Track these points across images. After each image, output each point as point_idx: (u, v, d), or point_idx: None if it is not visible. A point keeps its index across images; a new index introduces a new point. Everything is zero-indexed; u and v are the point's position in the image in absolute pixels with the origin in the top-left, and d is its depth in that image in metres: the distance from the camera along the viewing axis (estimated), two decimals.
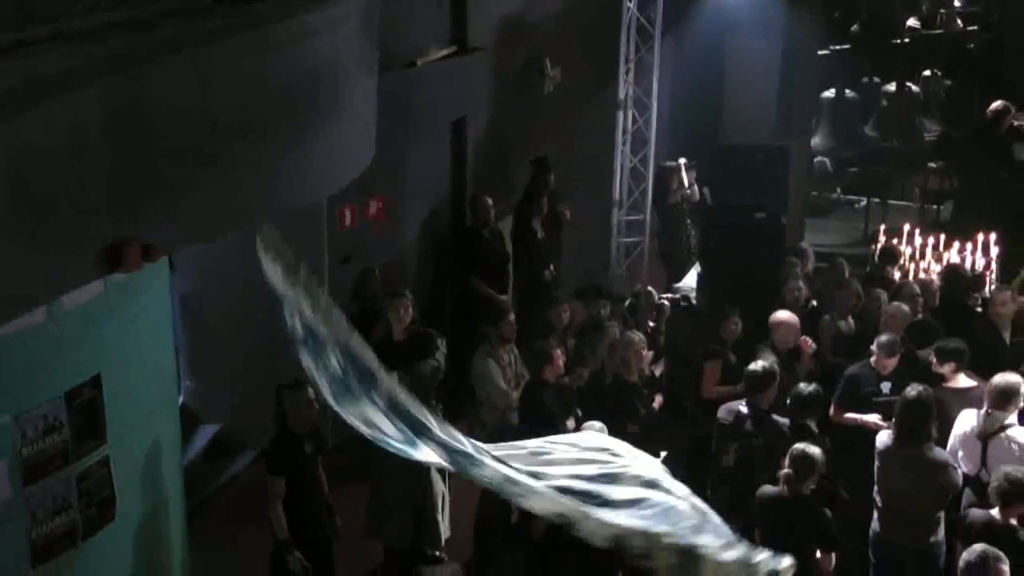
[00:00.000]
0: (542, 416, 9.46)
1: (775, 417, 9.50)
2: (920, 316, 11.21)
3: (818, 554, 8.57)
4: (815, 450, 8.51)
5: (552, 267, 12.62)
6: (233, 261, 8.67)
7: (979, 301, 11.66)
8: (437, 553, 9.74)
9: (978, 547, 7.34)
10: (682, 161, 14.41)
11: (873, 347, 10.12)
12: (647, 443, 9.76)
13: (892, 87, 16.90)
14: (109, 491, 7.15)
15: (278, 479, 8.53)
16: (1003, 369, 9.54)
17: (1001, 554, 7.29)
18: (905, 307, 10.92)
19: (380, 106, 8.21)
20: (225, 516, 9.80)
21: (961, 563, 7.35)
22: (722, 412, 9.68)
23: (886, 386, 9.96)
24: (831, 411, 10.06)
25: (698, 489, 8.93)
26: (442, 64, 11.12)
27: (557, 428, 8.93)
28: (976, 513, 8.37)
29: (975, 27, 17.39)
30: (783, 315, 10.69)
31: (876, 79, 16.92)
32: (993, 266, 12.87)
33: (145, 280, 7.08)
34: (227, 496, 10.02)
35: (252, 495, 9.20)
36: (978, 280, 12.26)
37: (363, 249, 10.73)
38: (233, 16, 6.22)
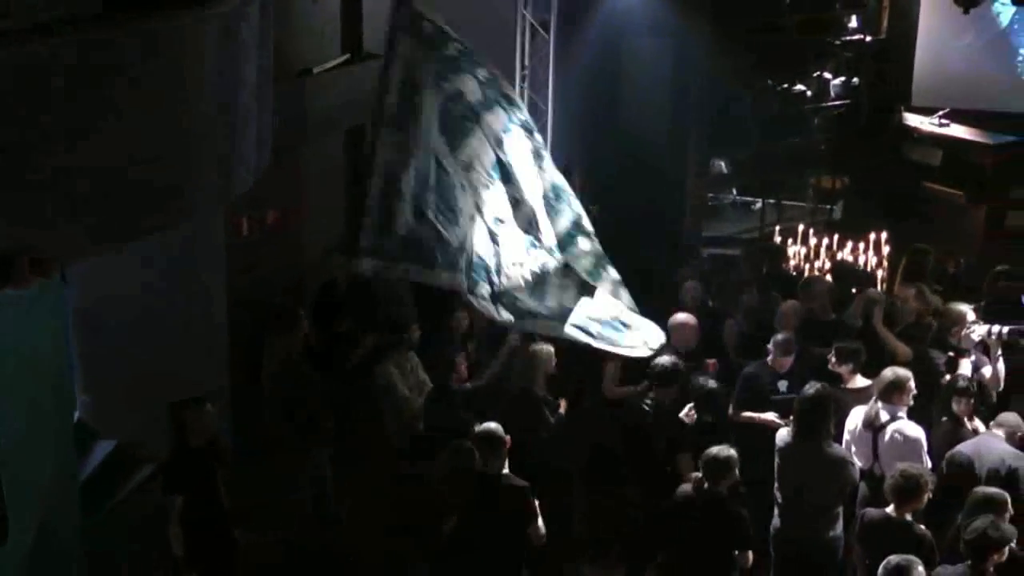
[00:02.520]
0: (448, 423, 9.48)
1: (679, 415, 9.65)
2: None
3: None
4: (730, 451, 8.63)
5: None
6: (131, 274, 8.59)
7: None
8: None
9: (898, 558, 7.46)
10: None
11: (769, 346, 10.25)
12: (557, 447, 9.92)
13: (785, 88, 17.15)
14: (0, 510, 7.05)
15: (176, 496, 8.47)
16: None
17: (915, 560, 7.44)
18: (797, 304, 11.09)
19: (276, 114, 8.17)
20: (123, 533, 9.69)
21: (881, 571, 7.47)
22: (625, 407, 9.80)
23: (783, 384, 10.11)
24: (731, 410, 10.18)
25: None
26: (337, 72, 11.09)
27: (464, 435, 8.95)
28: (872, 512, 8.52)
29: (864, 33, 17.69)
30: (682, 317, 10.80)
31: (770, 81, 17.12)
32: (884, 263, 13.10)
33: (37, 296, 6.98)
34: (125, 512, 9.91)
35: (150, 511, 9.11)
36: (869, 277, 12.46)
37: (263, 259, 10.67)
38: (124, 23, 6.15)
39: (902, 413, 9.31)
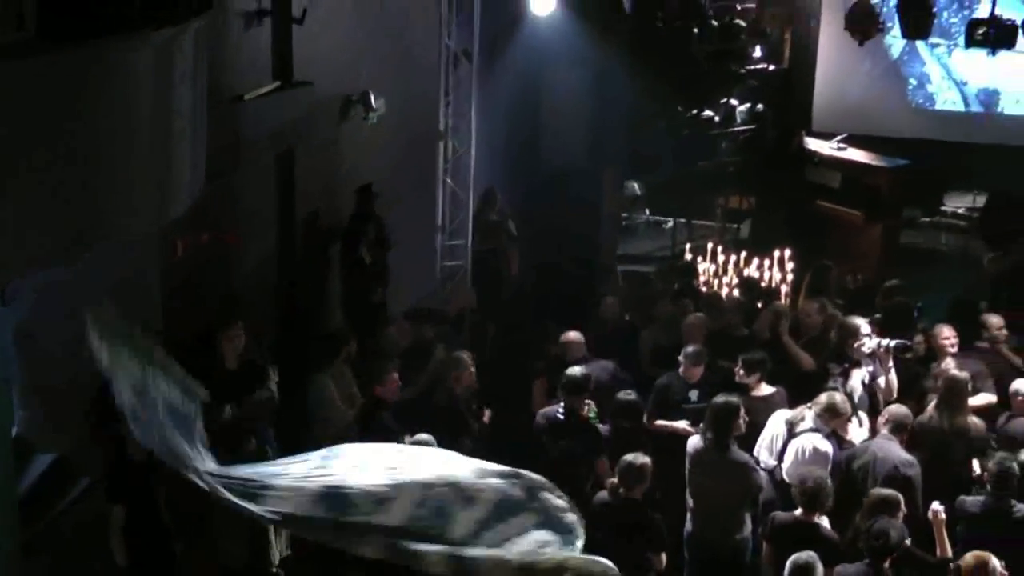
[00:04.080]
0: (379, 434, 9.40)
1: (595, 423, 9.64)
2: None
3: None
4: (644, 459, 8.64)
5: (380, 290, 12.57)
6: (68, 289, 8.44)
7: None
8: (274, 570, 9.62)
9: (804, 554, 7.50)
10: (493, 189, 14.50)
11: (680, 357, 10.28)
12: (482, 454, 9.86)
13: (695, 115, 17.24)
14: None
15: (116, 506, 8.33)
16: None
17: (815, 557, 7.46)
18: (703, 317, 11.13)
19: (209, 139, 8.07)
20: (63, 545, 9.51)
21: (788, 568, 7.50)
22: (539, 417, 9.75)
23: (694, 394, 10.13)
24: (645, 419, 10.18)
25: None
26: (268, 98, 10.99)
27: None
28: (781, 516, 8.56)
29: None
30: (571, 334, 10.83)
31: (680, 108, 17.21)
32: (788, 279, 13.18)
33: None
34: (65, 525, 9.73)
35: (90, 523, 8.95)
36: (774, 293, 12.53)
37: (197, 278, 10.53)
38: (61, 51, 6.06)
39: (824, 430, 9.35)
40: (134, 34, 6.55)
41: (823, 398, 9.42)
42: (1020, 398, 9.92)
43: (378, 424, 9.56)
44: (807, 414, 9.40)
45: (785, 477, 9.20)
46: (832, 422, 9.35)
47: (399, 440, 9.04)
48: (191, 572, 9.08)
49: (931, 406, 9.86)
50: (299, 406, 10.25)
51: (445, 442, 8.78)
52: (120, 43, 6.44)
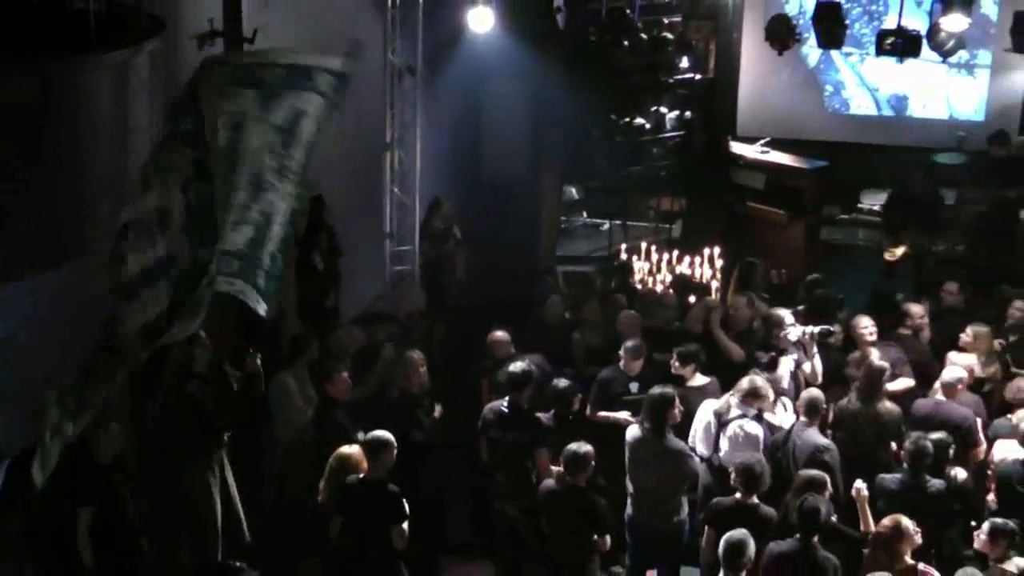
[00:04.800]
0: (333, 431, 9.38)
1: (537, 414, 9.62)
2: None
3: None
4: (587, 447, 8.67)
5: (333, 295, 12.51)
6: (40, 299, 8.35)
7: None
8: (237, 564, 9.55)
9: (737, 532, 7.55)
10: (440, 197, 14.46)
11: (621, 352, 10.30)
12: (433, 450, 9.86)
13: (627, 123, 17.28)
14: None
15: (85, 509, 8.24)
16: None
17: (747, 534, 7.50)
18: (635, 314, 11.16)
19: None
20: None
21: (722, 545, 7.53)
22: (486, 411, 9.74)
23: (634, 386, 10.15)
24: (588, 411, 10.19)
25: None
26: None
27: (349, 441, 8.93)
28: (722, 501, 8.62)
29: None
30: (497, 334, 10.86)
31: (613, 116, 17.24)
32: (718, 275, 13.23)
33: None
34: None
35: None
36: (705, 289, 12.56)
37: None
38: (19, 70, 6.00)
39: (750, 412, 9.41)
40: (91, 55, 6.51)
41: (744, 383, 9.50)
42: (960, 386, 10.01)
43: (332, 422, 9.53)
44: (732, 401, 9.46)
45: (722, 463, 9.24)
46: (755, 403, 9.41)
47: (352, 437, 9.02)
48: (158, 569, 9.00)
49: (851, 392, 9.97)
50: (262, 404, 10.21)
51: (398, 438, 8.79)
52: (80, 62, 6.39)
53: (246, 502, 9.67)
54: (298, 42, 11.67)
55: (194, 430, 9.23)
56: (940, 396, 9.99)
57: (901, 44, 12.91)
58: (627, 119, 17.16)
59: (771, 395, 9.66)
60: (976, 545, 8.14)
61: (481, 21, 12.79)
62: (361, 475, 8.57)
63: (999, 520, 8.03)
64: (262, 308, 7.38)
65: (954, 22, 12.33)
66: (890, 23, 13.48)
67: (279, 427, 10.13)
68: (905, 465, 8.88)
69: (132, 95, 7.04)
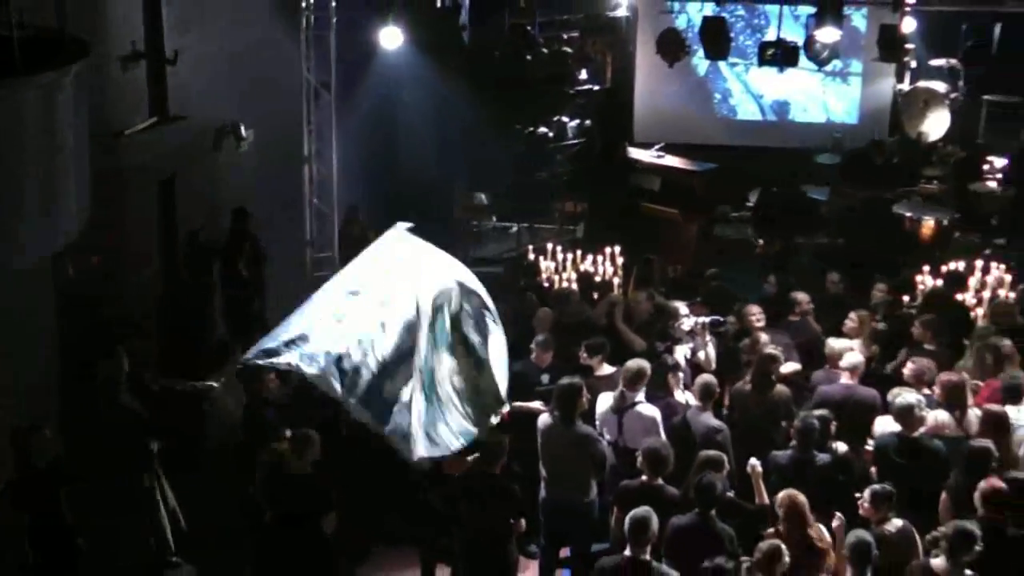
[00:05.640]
0: (262, 430, 9.29)
1: None
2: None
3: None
4: (501, 437, 8.65)
5: (258, 301, 12.42)
6: None
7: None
8: (173, 559, 9.46)
9: (640, 509, 7.58)
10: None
11: (532, 345, 10.32)
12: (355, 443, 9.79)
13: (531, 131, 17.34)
14: None
15: (21, 513, 8.09)
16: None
17: (650, 511, 7.56)
18: (550, 311, 11.18)
19: (93, 171, 7.87)
20: None
21: (627, 522, 7.56)
22: None
23: (545, 377, 10.16)
24: None
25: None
26: (147, 132, 10.78)
27: (276, 439, 8.84)
28: (629, 482, 8.63)
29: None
30: None
31: (518, 126, 17.28)
32: (619, 272, 13.29)
33: None
34: None
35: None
36: (607, 285, 12.61)
37: (89, 296, 10.28)
38: None
39: (640, 397, 9.47)
40: (17, 78, 6.39)
41: (631, 365, 9.53)
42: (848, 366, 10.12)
43: (261, 420, 9.45)
44: (623, 392, 9.49)
45: (627, 446, 9.27)
46: (640, 385, 9.43)
47: (281, 434, 8.93)
48: (95, 568, 8.87)
49: (746, 376, 10.08)
50: (193, 407, 10.10)
51: (324, 432, 8.74)
52: (7, 85, 6.28)
53: (182, 500, 9.56)
54: (217, 63, 11.61)
55: (128, 436, 9.12)
56: (845, 379, 10.07)
57: (781, 55, 13.09)
58: (531, 128, 17.23)
59: (648, 373, 9.64)
60: (860, 511, 8.27)
61: (391, 39, 12.75)
62: (290, 469, 8.51)
63: (877, 486, 8.16)
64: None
65: (827, 34, 12.54)
66: (771, 36, 13.68)
67: (211, 428, 10.03)
68: (794, 442, 8.98)
69: (59, 117, 6.92)
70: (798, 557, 7.81)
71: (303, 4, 13.13)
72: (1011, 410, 9.31)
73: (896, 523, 7.93)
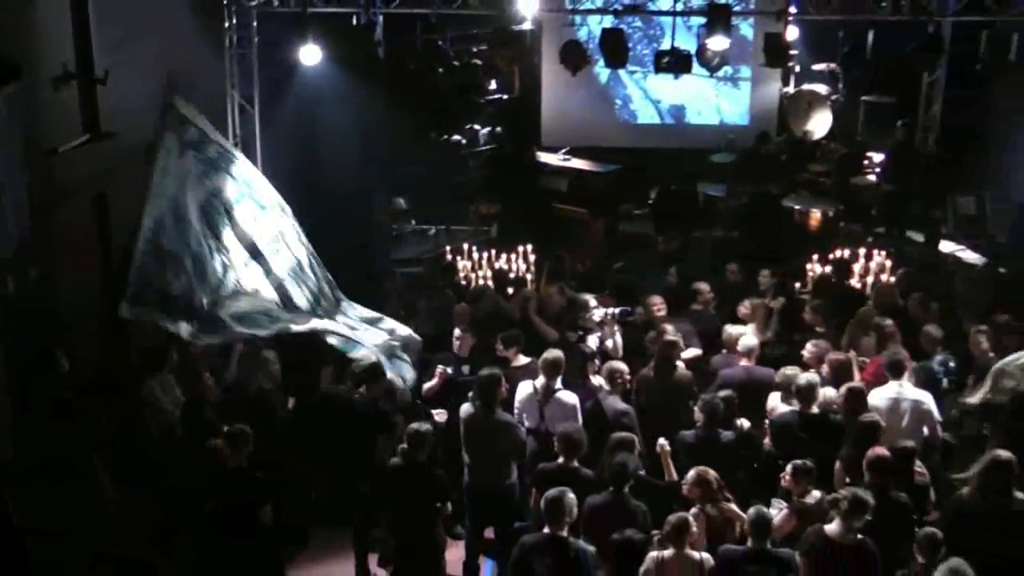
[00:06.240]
0: (201, 428, 9.22)
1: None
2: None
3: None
4: (427, 426, 8.68)
5: None
6: None
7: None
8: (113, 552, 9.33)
9: (555, 490, 7.63)
10: None
11: (453, 339, 10.35)
12: (288, 439, 9.74)
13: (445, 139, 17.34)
14: None
15: None
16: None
17: (569, 491, 7.61)
18: (467, 307, 11.22)
19: (29, 188, 7.75)
20: None
21: (543, 503, 7.62)
22: (339, 400, 9.69)
23: (466, 368, 10.20)
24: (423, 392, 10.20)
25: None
26: (80, 149, 10.59)
27: (215, 436, 8.80)
28: (547, 465, 8.69)
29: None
30: None
31: (433, 134, 17.28)
32: (532, 268, 13.37)
33: None
34: None
35: None
36: (521, 281, 12.67)
37: (31, 311, 10.09)
38: None
39: (559, 385, 9.53)
40: None
41: (548, 355, 9.59)
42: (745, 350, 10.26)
43: (199, 419, 9.37)
44: (544, 381, 9.55)
45: (548, 431, 9.31)
46: (557, 374, 9.50)
47: (218, 431, 8.86)
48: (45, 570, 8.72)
49: (651, 363, 10.19)
50: (131, 411, 9.96)
51: (257, 429, 8.70)
52: None
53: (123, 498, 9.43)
54: (146, 82, 11.45)
55: (71, 435, 8.98)
56: (743, 362, 10.21)
57: (675, 62, 13.22)
58: (445, 136, 17.25)
59: (563, 363, 9.72)
60: (783, 484, 8.41)
61: (310, 56, 12.68)
62: (226, 464, 8.47)
63: (799, 462, 8.30)
64: None
65: (717, 42, 12.69)
66: (665, 45, 13.80)
67: (151, 428, 9.91)
68: (700, 422, 9.09)
69: None
70: (711, 529, 7.96)
71: (226, 24, 13.01)
72: (894, 384, 9.55)
73: (815, 495, 8.10)
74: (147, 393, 9.90)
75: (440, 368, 10.19)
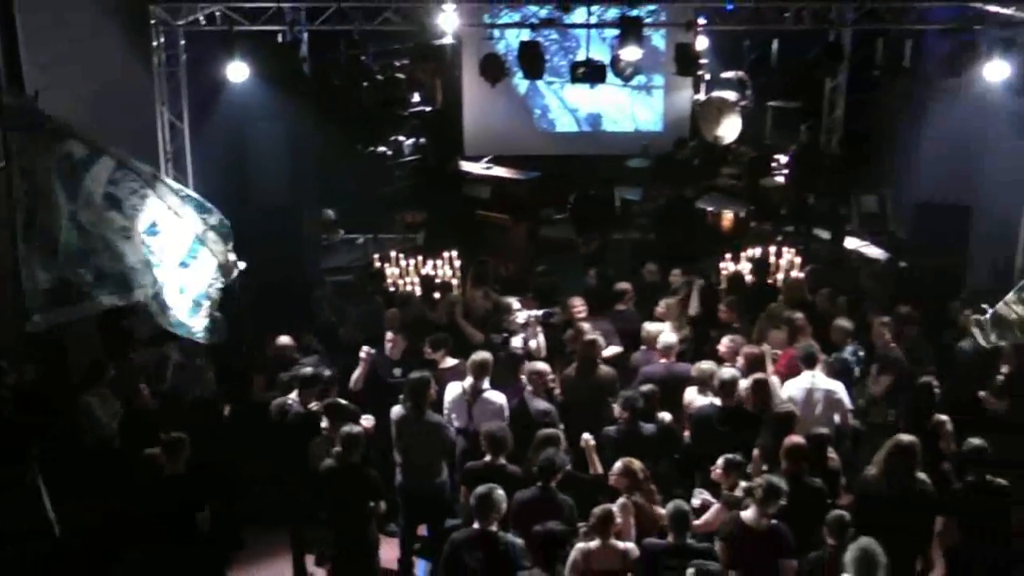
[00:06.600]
0: (139, 438, 9.18)
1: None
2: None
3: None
4: (358, 428, 8.65)
5: (127, 320, 12.07)
6: None
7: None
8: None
9: (483, 486, 7.64)
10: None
11: (386, 342, 10.33)
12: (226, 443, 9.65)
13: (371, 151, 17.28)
14: None
15: None
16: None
17: (498, 487, 7.68)
18: (397, 311, 11.20)
19: None
20: None
21: (472, 499, 7.63)
22: (274, 408, 9.59)
23: (398, 371, 10.18)
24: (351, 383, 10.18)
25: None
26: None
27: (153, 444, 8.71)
28: (474, 463, 8.70)
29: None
30: (282, 339, 10.71)
31: (359, 146, 17.21)
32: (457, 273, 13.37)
33: None
34: None
35: None
36: (447, 286, 12.67)
37: None
38: None
39: (487, 385, 9.54)
40: None
41: (476, 357, 9.61)
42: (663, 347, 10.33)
43: (137, 429, 9.26)
44: (472, 382, 9.57)
45: (476, 431, 9.31)
46: (485, 375, 9.52)
47: (155, 440, 8.75)
48: None
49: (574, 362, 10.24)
50: (68, 423, 9.80)
51: (194, 436, 8.62)
52: None
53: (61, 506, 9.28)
54: (77, 101, 11.27)
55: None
56: (663, 359, 10.27)
57: (591, 72, 13.29)
58: (371, 148, 17.19)
59: (491, 363, 9.71)
60: (713, 476, 8.49)
61: (237, 73, 12.57)
62: (164, 471, 8.40)
63: (730, 455, 8.40)
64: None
65: (630, 53, 12.77)
66: (581, 56, 13.86)
67: (89, 439, 9.77)
68: (623, 416, 9.15)
69: None
70: (642, 518, 8.02)
71: (154, 43, 12.84)
72: (807, 374, 9.71)
73: (743, 485, 8.17)
74: (84, 406, 9.76)
75: (364, 351, 10.15)
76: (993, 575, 8.10)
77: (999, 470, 8.39)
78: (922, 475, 8.23)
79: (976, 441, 8.48)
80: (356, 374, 10.14)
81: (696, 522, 7.97)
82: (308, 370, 9.72)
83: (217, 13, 12.76)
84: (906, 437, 8.27)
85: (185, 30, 12.83)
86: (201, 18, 12.77)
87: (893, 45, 14.13)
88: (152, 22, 12.59)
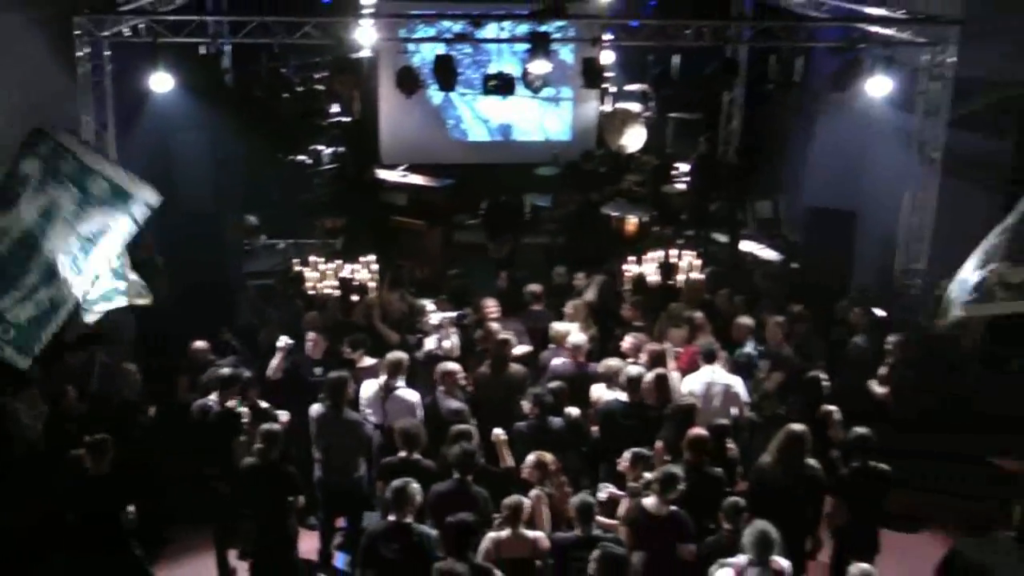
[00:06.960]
0: (65, 440, 9.07)
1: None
2: None
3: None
4: (276, 426, 8.65)
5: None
6: None
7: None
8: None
9: (399, 480, 7.68)
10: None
11: (307, 341, 10.30)
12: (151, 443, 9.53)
13: (291, 159, 17.18)
14: None
15: None
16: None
17: (413, 481, 7.73)
18: (315, 313, 11.17)
19: None
20: None
21: (388, 493, 7.66)
22: (195, 408, 9.52)
23: (319, 370, 10.16)
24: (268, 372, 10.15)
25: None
26: None
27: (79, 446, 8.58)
28: (389, 459, 8.75)
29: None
30: (197, 344, 10.59)
31: (279, 155, 17.10)
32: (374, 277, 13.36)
33: None
34: None
35: None
36: (364, 289, 12.65)
37: None
38: None
39: (401, 383, 9.58)
40: None
41: (391, 356, 9.67)
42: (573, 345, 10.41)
43: (63, 431, 9.14)
44: (386, 379, 9.60)
45: (391, 427, 9.34)
46: (399, 373, 9.55)
47: (80, 442, 8.64)
48: None
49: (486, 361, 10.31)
50: None
51: (120, 437, 8.54)
52: None
53: None
54: (4, 114, 11.07)
55: None
56: (571, 357, 10.36)
57: (502, 85, 13.36)
58: (291, 157, 17.11)
59: (406, 363, 9.78)
60: (620, 468, 8.62)
61: (161, 84, 12.42)
62: (89, 472, 8.30)
63: (636, 449, 8.54)
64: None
65: (539, 67, 12.89)
66: (493, 69, 13.95)
67: (15, 444, 9.61)
68: (532, 412, 9.24)
69: None
70: (552, 509, 8.13)
71: (79, 54, 12.63)
72: (707, 369, 9.92)
73: (647, 476, 8.32)
74: (11, 413, 9.60)
75: (281, 341, 10.11)
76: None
77: (881, 457, 8.68)
78: (812, 461, 8.48)
79: (861, 430, 8.74)
80: (274, 362, 10.09)
81: (608, 521, 8.11)
82: (226, 371, 9.66)
83: (141, 25, 12.58)
84: (797, 426, 8.51)
85: (110, 41, 12.63)
86: (126, 30, 12.57)
87: (785, 62, 14.46)
88: (77, 33, 12.38)
